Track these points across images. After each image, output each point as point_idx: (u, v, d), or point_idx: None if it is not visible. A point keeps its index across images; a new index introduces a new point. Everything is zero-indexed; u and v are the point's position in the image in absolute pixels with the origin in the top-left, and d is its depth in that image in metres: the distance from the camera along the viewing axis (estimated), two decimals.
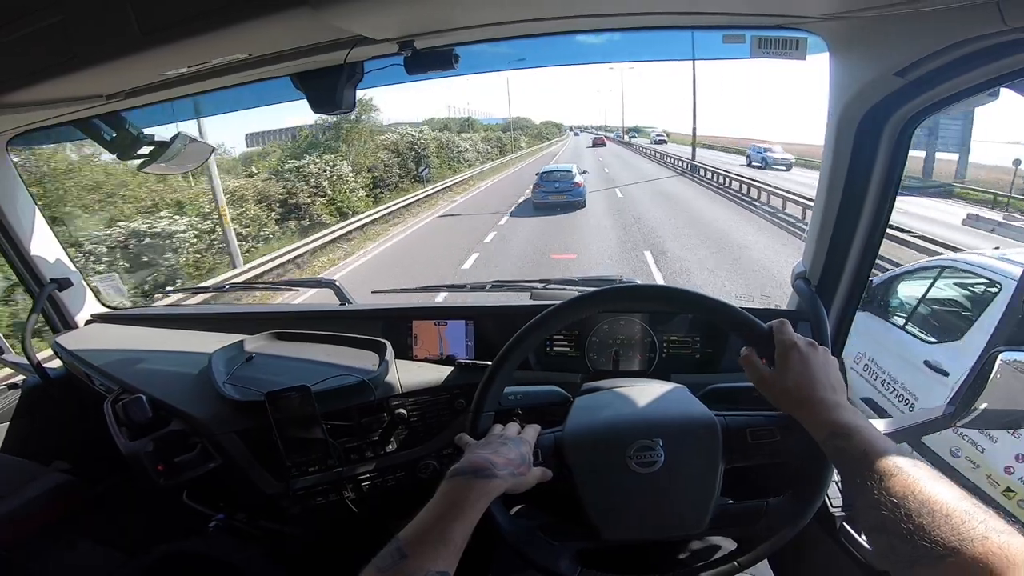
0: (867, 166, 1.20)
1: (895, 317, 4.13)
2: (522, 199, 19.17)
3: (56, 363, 2.04)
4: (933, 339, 3.70)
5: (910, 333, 3.88)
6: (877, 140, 1.16)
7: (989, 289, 3.59)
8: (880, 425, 1.35)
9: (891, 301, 4.27)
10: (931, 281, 4.04)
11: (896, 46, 0.97)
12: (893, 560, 0.66)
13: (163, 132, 1.52)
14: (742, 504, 1.08)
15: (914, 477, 0.70)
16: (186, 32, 0.86)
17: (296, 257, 12.24)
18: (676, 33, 1.19)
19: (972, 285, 3.84)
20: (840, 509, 1.21)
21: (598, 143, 62.26)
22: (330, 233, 14.22)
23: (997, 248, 4.51)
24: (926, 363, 3.55)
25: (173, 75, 1.12)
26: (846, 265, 1.34)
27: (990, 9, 0.76)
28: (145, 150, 1.49)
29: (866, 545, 1.13)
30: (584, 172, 18.50)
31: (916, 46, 0.93)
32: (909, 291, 4.23)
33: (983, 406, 1.10)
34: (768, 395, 0.95)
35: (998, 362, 1.06)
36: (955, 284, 3.98)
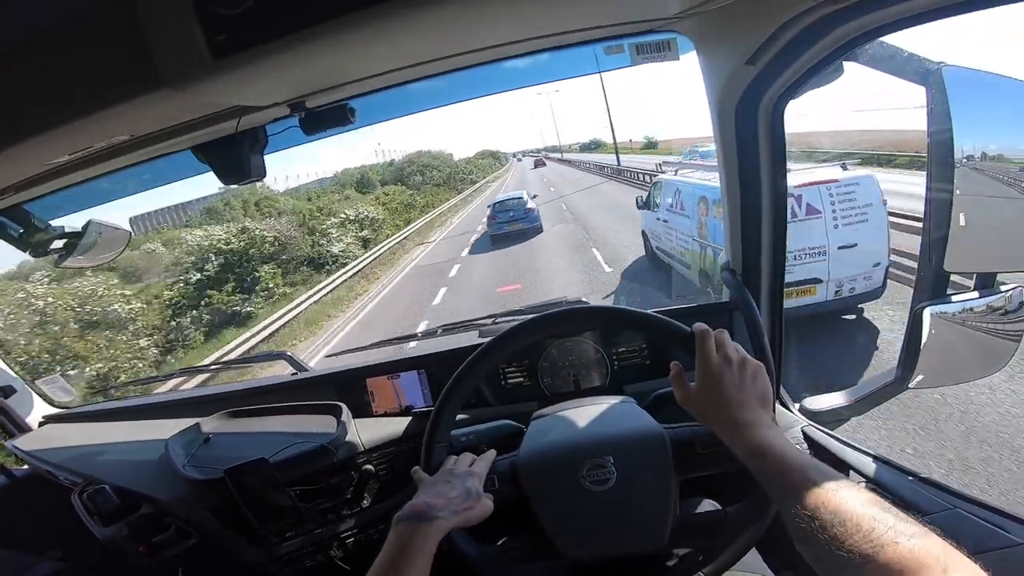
0: (753, 153, 1.25)
1: (656, 210, 8.48)
2: (475, 238, 18.72)
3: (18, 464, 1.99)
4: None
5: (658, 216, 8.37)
6: (755, 127, 1.20)
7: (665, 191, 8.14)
8: (838, 398, 1.40)
9: (653, 201, 8.67)
10: (659, 191, 8.57)
11: (742, 35, 1.02)
12: (821, 570, 0.68)
13: (75, 221, 1.47)
14: (701, 514, 1.11)
15: (825, 488, 0.72)
16: (52, 122, 0.85)
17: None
18: (563, 52, 1.21)
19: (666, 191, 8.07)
20: None
21: (539, 164, 68.25)
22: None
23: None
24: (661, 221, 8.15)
25: (58, 163, 1.09)
26: (761, 249, 1.38)
27: None
28: (59, 243, 1.44)
29: None
30: (534, 196, 18.16)
31: (757, 32, 0.97)
32: (657, 197, 8.51)
33: (925, 364, 1.12)
34: (692, 414, 0.97)
35: (926, 316, 1.08)
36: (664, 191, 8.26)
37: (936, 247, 1.02)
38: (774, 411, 1.03)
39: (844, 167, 5.68)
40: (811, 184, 5.30)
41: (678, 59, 1.21)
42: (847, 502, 0.68)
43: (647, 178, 19.13)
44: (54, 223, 1.43)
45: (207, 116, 1.04)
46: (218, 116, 1.05)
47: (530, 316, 1.19)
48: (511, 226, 16.04)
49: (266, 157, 1.28)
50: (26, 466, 1.97)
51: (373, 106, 1.24)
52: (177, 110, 0.95)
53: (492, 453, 1.13)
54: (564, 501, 1.04)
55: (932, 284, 1.09)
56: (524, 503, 1.07)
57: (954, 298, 1.09)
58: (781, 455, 0.81)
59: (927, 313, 1.08)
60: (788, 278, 2.27)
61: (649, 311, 1.12)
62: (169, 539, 1.45)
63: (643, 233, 9.45)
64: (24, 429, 1.99)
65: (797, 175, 5.39)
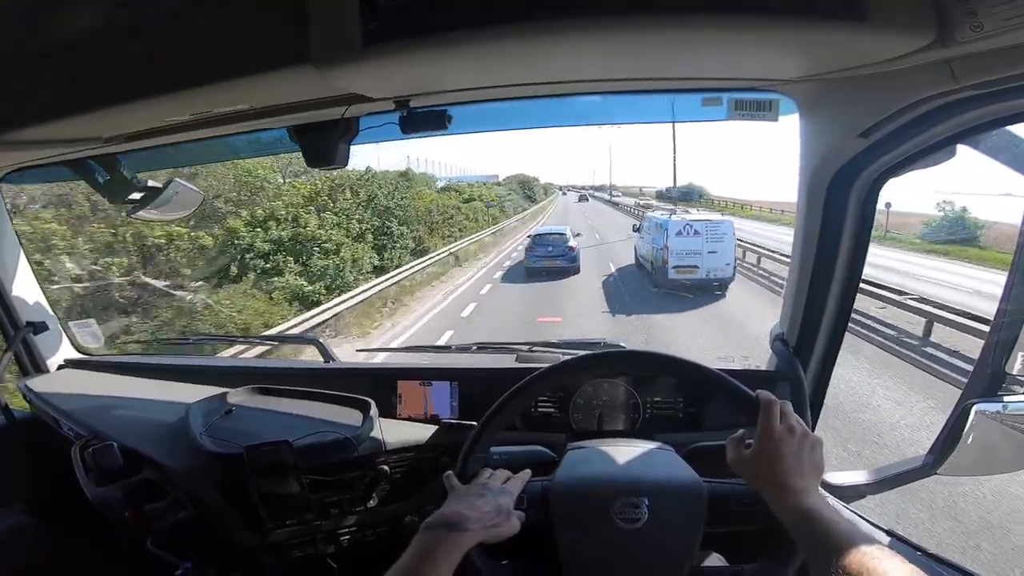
0: (838, 226, 1.24)
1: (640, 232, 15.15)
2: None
3: (24, 406, 1.97)
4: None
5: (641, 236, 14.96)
6: (846, 200, 1.20)
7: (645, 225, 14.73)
8: (862, 476, 1.38)
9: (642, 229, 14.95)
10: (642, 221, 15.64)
11: (859, 107, 1.03)
12: None
13: (155, 178, 1.52)
14: (719, 568, 1.13)
15: (869, 555, 0.75)
16: (191, 82, 0.88)
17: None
18: (659, 97, 1.24)
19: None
20: None
21: (583, 199, 75.41)
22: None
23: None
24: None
25: (174, 122, 1.13)
26: (822, 324, 1.37)
27: (942, 69, 0.81)
28: (136, 195, 1.49)
29: None
30: (578, 235, 17.85)
31: (877, 107, 0.98)
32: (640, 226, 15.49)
33: (960, 455, 1.13)
34: (742, 474, 0.99)
35: (972, 412, 1.09)
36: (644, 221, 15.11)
37: (1003, 347, 1.03)
38: None
39: (721, 213, 13.82)
40: (700, 220, 12.65)
41: (777, 120, 1.22)
42: (891, 571, 0.71)
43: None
44: (139, 176, 1.47)
45: (322, 99, 1.07)
46: (330, 101, 1.08)
47: (604, 351, 1.21)
48: (548, 262, 15.77)
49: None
50: (30, 410, 1.95)
51: (468, 116, 1.28)
52: (303, 88, 0.99)
53: (528, 473, 1.12)
54: (590, 532, 1.04)
55: (987, 382, 1.10)
56: (547, 529, 1.06)
57: (1006, 399, 1.10)
58: (829, 520, 0.83)
59: (974, 410, 1.09)
60: (679, 262, 11.70)
61: (714, 368, 1.12)
62: (161, 509, 1.42)
63: (635, 247, 15.97)
64: (42, 370, 1.99)
65: (692, 213, 14.68)
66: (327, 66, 0.83)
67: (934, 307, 7.54)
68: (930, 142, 1.00)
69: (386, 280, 13.43)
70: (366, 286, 12.60)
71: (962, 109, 0.89)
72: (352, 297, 11.58)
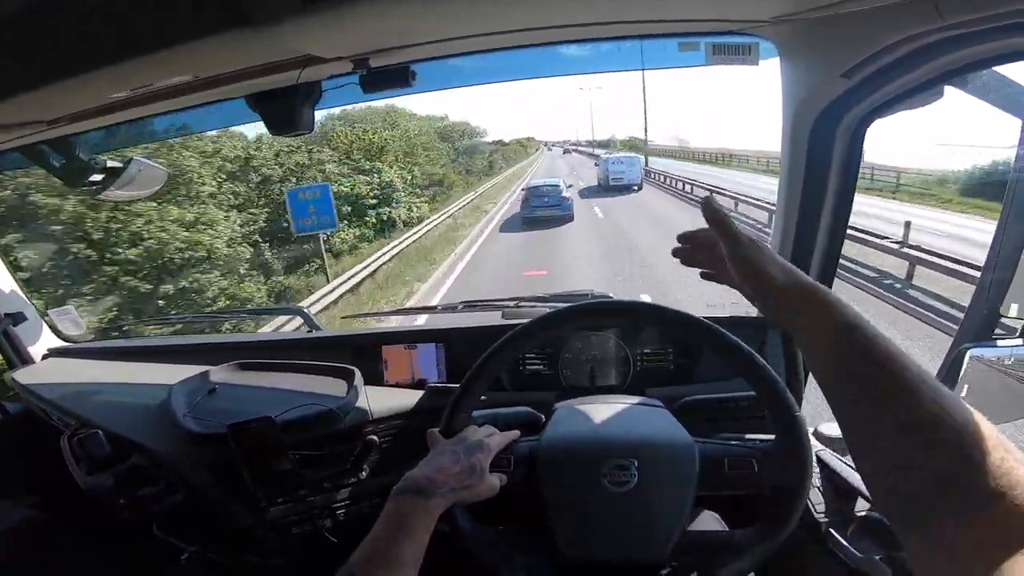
0: (823, 169, 1.21)
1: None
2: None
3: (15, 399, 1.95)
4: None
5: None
6: (831, 142, 1.16)
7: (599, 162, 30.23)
8: None
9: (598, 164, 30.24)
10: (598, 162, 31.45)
11: (841, 47, 0.98)
12: (855, 414, 0.60)
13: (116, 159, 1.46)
14: (708, 532, 1.10)
15: (876, 337, 0.60)
16: (125, 55, 0.83)
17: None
18: (633, 43, 1.19)
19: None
20: (824, 515, 1.20)
21: (567, 152, 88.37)
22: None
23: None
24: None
25: (116, 99, 1.07)
26: (810, 269, 1.35)
27: (926, 5, 0.76)
28: (97, 177, 1.43)
29: (852, 549, 1.12)
30: (570, 186, 19.03)
31: (859, 46, 0.94)
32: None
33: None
34: (722, 279, 0.85)
35: (967, 358, 1.06)
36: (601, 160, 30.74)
37: (995, 287, 1.00)
38: None
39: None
40: (623, 156, 29.56)
41: (757, 64, 1.17)
42: (897, 353, 0.58)
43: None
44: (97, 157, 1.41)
45: (272, 63, 1.02)
46: (283, 64, 1.03)
47: (588, 302, 1.17)
48: (544, 211, 16.80)
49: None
50: (21, 403, 1.93)
51: (433, 73, 1.22)
52: (248, 53, 0.93)
53: (515, 433, 1.09)
54: (578, 495, 1.02)
55: (980, 325, 1.08)
56: (533, 491, 1.04)
57: (999, 343, 1.07)
58: (838, 302, 0.66)
59: (968, 355, 1.05)
60: (612, 176, 25.91)
61: (693, 314, 1.07)
62: (154, 494, 1.41)
63: (597, 173, 28.08)
64: (28, 361, 1.97)
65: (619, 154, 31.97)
66: (268, 27, 0.78)
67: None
68: (916, 82, 0.95)
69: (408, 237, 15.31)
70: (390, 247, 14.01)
71: (948, 48, 0.85)
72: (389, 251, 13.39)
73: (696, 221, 0.83)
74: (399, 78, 1.14)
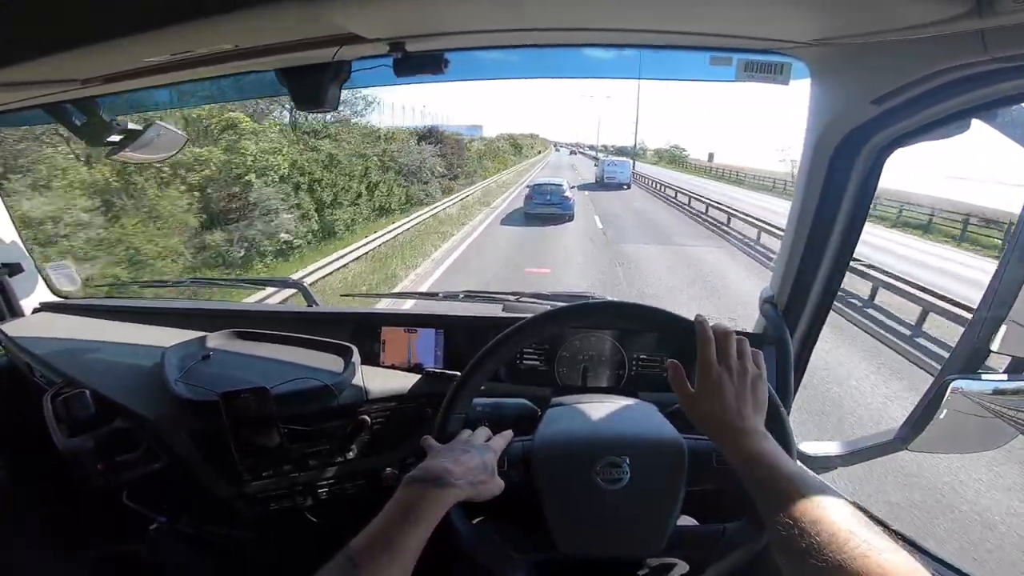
0: (839, 192, 1.22)
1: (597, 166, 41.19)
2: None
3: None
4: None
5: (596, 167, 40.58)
6: (850, 166, 1.18)
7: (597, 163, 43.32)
8: (834, 447, 1.40)
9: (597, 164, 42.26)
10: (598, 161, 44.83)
11: (875, 73, 0.99)
12: None
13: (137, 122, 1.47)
14: (700, 527, 1.12)
15: (810, 499, 0.72)
16: (172, 19, 0.83)
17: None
18: (664, 53, 1.20)
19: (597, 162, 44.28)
20: None
21: (573, 153, 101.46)
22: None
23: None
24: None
25: (154, 63, 1.07)
26: (812, 290, 1.37)
27: (974, 39, 0.77)
28: (116, 137, 1.43)
29: None
30: (573, 187, 19.67)
31: (895, 74, 0.95)
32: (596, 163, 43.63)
33: (932, 431, 1.14)
34: (691, 419, 0.95)
35: (950, 389, 1.09)
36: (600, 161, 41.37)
37: (988, 324, 1.03)
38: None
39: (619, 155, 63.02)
40: (616, 159, 41.25)
41: (787, 84, 1.18)
42: (828, 513, 0.69)
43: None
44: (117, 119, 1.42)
45: (313, 39, 1.02)
46: (322, 41, 1.03)
47: (584, 302, 1.18)
48: (546, 209, 17.58)
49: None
50: (6, 357, 1.90)
51: (464, 62, 1.22)
52: (292, 27, 0.94)
53: (510, 433, 1.09)
54: (572, 493, 1.04)
55: (967, 359, 1.10)
56: (529, 490, 1.05)
57: (984, 376, 1.10)
58: (772, 463, 0.81)
59: (952, 386, 1.09)
60: (607, 176, 35.37)
61: (659, 308, 1.08)
62: (133, 460, 1.39)
63: (595, 172, 38.89)
64: (18, 313, 1.94)
65: (614, 157, 47.78)
66: (318, 2, 0.79)
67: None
68: (946, 113, 0.96)
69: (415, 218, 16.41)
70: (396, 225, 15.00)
71: (986, 81, 0.85)
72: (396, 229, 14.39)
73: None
74: (433, 64, 1.14)
